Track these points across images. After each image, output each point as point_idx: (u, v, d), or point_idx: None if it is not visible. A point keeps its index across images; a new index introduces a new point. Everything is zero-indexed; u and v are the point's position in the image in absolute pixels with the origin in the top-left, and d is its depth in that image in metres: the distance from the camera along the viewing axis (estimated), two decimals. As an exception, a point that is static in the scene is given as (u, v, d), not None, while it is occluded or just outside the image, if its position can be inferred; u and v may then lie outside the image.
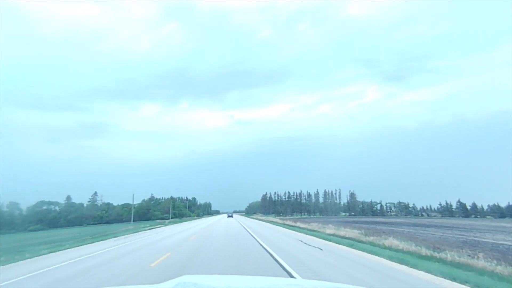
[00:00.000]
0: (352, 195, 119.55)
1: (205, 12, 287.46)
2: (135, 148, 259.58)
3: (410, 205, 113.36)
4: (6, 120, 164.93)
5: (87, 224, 66.92)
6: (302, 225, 29.40)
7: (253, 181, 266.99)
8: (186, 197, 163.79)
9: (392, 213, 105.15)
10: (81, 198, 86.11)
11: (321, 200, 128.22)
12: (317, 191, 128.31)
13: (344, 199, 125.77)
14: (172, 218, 78.64)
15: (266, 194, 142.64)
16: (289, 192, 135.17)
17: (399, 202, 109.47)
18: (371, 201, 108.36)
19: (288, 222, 38.25)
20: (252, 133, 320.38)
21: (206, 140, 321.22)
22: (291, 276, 6.88)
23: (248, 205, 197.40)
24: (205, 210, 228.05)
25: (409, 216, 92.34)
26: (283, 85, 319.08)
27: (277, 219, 57.15)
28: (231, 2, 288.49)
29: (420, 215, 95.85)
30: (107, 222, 71.15)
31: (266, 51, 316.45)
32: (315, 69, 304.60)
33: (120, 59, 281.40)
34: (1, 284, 7.13)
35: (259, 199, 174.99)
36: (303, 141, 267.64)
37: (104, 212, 70.60)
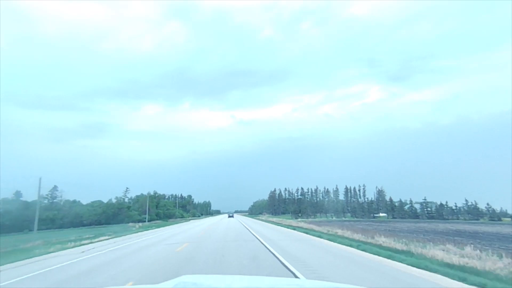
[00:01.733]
0: (380, 192, 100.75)
1: (207, 12, 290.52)
2: (136, 148, 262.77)
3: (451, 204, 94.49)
4: (7, 120, 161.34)
5: (29, 230, 48.64)
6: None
7: (256, 181, 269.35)
8: (181, 195, 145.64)
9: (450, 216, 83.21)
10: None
11: (341, 198, 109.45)
12: (337, 188, 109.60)
13: (368, 197, 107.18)
14: (154, 220, 60.49)
15: (274, 191, 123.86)
16: (302, 189, 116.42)
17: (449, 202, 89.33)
18: (425, 199, 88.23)
19: (357, 236, 19.59)
20: (254, 133, 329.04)
21: (207, 140, 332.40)
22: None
23: (252, 204, 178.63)
24: (204, 210, 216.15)
25: (481, 221, 72.29)
26: (286, 85, 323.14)
27: (303, 223, 38.20)
28: (233, 2, 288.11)
29: (497, 219, 75.63)
30: (61, 227, 53.00)
31: (268, 51, 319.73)
32: (317, 69, 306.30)
33: (122, 59, 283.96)
34: None
35: (262, 198, 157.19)
36: (305, 140, 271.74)
37: (56, 213, 52.21)
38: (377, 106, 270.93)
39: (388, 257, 10.84)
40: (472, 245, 12.55)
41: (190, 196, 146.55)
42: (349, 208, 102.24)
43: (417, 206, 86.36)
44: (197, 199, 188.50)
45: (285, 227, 31.44)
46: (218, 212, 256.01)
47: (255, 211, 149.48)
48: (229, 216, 78.43)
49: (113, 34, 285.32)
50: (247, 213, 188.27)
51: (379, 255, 11.41)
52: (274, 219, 61.23)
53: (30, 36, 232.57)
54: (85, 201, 67.38)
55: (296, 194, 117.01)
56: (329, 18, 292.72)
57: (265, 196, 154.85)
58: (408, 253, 12.07)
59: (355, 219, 75.39)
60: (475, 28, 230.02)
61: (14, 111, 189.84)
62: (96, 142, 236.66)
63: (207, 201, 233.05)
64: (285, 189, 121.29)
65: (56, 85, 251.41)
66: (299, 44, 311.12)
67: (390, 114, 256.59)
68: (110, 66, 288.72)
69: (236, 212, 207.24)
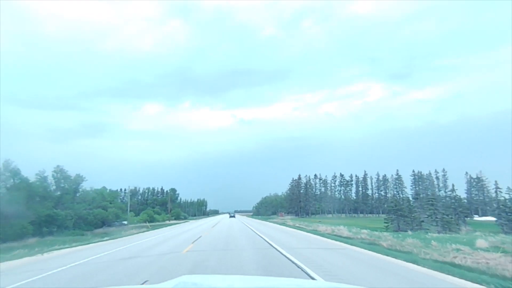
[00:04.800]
0: (478, 181, 63.63)
1: (208, 10, 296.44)
2: (136, 148, 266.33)
3: None
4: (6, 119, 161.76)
5: None
6: None
7: (257, 181, 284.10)
8: (161, 188, 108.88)
9: None
10: None
11: (403, 190, 72.22)
12: (398, 174, 72.22)
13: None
14: (35, 235, 23.91)
15: (299, 179, 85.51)
16: (341, 176, 79.00)
17: None
18: None
19: None
20: (254, 132, 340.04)
21: (207, 139, 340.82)
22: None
23: (260, 200, 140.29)
24: (199, 210, 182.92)
25: None
26: (286, 84, 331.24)
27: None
28: (234, 0, 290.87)
29: None
30: None
31: (269, 49, 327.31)
32: (318, 68, 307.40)
33: (122, 58, 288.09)
34: None
35: (273, 193, 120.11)
36: (306, 140, 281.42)
37: None
38: (379, 105, 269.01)
39: None
40: None
41: (174, 190, 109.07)
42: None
43: None
44: (196, 198, 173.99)
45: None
46: (216, 212, 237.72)
47: (264, 211, 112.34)
48: (230, 217, 77.39)
49: (114, 33, 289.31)
50: (252, 214, 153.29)
51: None
52: (346, 232, 23.63)
53: (29, 35, 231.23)
54: None
55: (333, 184, 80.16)
56: (331, 16, 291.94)
57: (278, 190, 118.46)
58: None
59: None
60: (480, 25, 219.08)
61: (12, 111, 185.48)
62: (96, 141, 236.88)
63: (201, 199, 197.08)
64: (316, 176, 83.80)
65: (56, 84, 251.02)
66: (300, 42, 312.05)
67: (392, 113, 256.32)
68: (110, 66, 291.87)
69: (237, 212, 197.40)
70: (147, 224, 45.39)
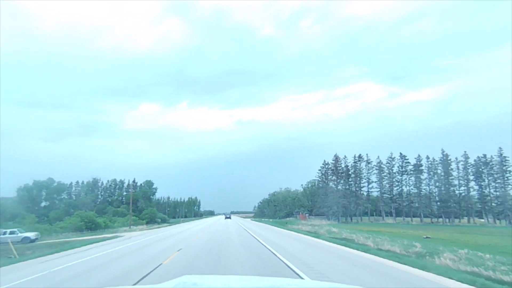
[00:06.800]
0: None
1: (206, 9, 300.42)
2: (132, 148, 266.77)
3: None
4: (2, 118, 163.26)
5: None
6: None
7: (256, 182, 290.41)
8: (134, 181, 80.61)
9: None
10: None
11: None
12: (501, 153, 44.95)
13: None
14: None
15: (337, 161, 56.48)
16: (403, 157, 51.61)
17: None
18: None
19: None
20: (252, 132, 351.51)
21: (205, 139, 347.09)
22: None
23: (264, 199, 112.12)
24: (191, 210, 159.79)
25: None
26: (285, 84, 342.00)
27: None
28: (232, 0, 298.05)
29: None
30: None
31: (267, 49, 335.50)
32: (317, 68, 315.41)
33: (118, 57, 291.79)
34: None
35: (286, 187, 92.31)
36: (304, 140, 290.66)
37: None
38: (377, 106, 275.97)
39: None
40: None
41: (150, 184, 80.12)
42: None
43: None
44: (187, 197, 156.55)
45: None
46: (211, 213, 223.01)
47: (273, 211, 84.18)
48: (226, 218, 77.23)
49: (110, 32, 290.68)
50: (254, 215, 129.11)
51: None
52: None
53: (25, 33, 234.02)
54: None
55: (390, 170, 51.39)
56: (329, 16, 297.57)
57: (292, 184, 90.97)
58: None
59: None
60: (479, 26, 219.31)
61: (7, 109, 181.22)
62: (91, 141, 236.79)
63: (193, 197, 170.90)
64: (361, 157, 54.15)
65: (51, 83, 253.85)
66: (298, 42, 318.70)
67: (390, 114, 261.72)
68: (107, 65, 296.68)
69: (235, 213, 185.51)
70: (12, 247, 17.78)
